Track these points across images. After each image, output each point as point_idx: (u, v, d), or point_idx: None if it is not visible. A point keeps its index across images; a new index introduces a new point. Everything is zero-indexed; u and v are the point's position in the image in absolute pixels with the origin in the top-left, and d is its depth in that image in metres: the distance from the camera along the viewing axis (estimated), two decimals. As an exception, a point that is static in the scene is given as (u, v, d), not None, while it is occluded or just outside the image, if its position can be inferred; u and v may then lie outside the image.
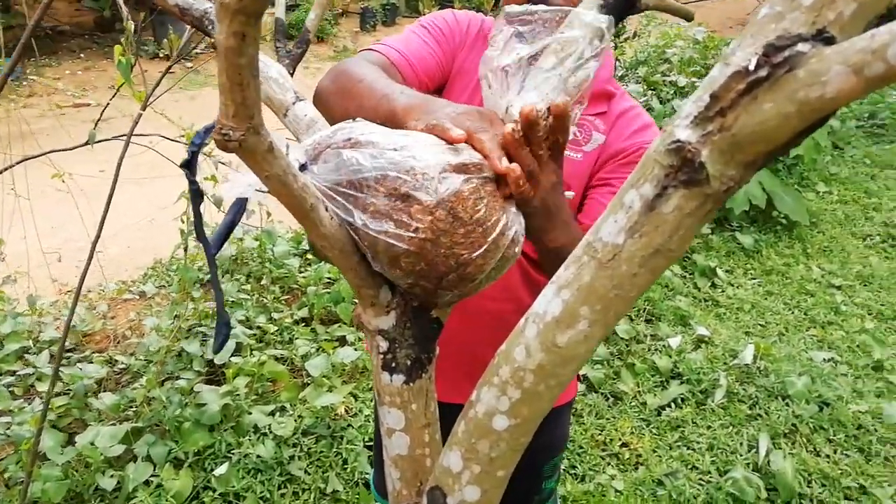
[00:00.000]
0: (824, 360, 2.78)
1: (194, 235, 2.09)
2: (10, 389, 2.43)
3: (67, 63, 6.70)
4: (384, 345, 0.85)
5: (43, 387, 2.46)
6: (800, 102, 0.48)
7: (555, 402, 0.70)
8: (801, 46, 0.49)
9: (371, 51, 1.02)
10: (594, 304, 0.62)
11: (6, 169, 1.64)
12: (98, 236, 1.81)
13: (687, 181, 0.55)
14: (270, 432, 2.21)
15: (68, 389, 2.41)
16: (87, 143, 1.63)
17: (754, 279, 3.57)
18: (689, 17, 1.10)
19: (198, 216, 0.76)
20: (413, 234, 0.69)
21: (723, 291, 3.42)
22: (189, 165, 0.73)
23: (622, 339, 2.88)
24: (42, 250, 2.95)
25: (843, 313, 3.28)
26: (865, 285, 3.56)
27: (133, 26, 1.40)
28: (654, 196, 0.57)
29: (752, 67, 0.50)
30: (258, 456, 2.10)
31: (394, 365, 0.85)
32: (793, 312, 3.30)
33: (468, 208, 0.70)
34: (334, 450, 2.23)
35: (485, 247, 0.71)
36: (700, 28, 4.04)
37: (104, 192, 1.72)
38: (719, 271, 3.51)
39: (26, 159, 1.67)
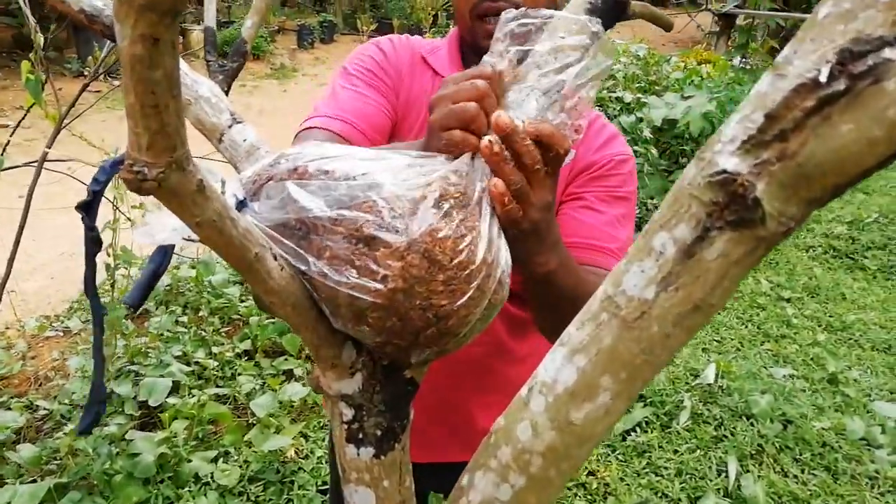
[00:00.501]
0: (784, 376, 2.76)
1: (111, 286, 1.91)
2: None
3: (-15, 82, 6.30)
4: (349, 413, 0.71)
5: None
6: (891, 124, 0.38)
7: (564, 486, 0.58)
8: (887, 52, 0.38)
9: (308, 129, 0.88)
10: (618, 372, 0.50)
11: None
12: (9, 270, 1.61)
13: (736, 222, 0.44)
14: (213, 482, 2.02)
15: (-20, 443, 2.16)
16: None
17: (707, 294, 3.55)
18: (668, 27, 1.02)
19: (91, 267, 0.62)
20: (381, 285, 0.56)
21: (677, 307, 3.38)
22: (88, 208, 0.58)
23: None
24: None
25: (794, 326, 3.29)
26: (813, 297, 3.60)
27: (42, 40, 1.23)
28: (694, 240, 0.46)
29: (823, 79, 0.40)
30: (199, 509, 1.91)
31: (360, 436, 0.72)
32: (746, 327, 3.29)
33: (447, 249, 0.57)
34: (285, 496, 2.05)
35: (468, 294, 0.59)
36: (641, 45, 4.05)
37: (29, 220, 1.53)
38: (673, 287, 3.48)
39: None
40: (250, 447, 2.17)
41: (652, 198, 3.76)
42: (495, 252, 0.62)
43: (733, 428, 2.44)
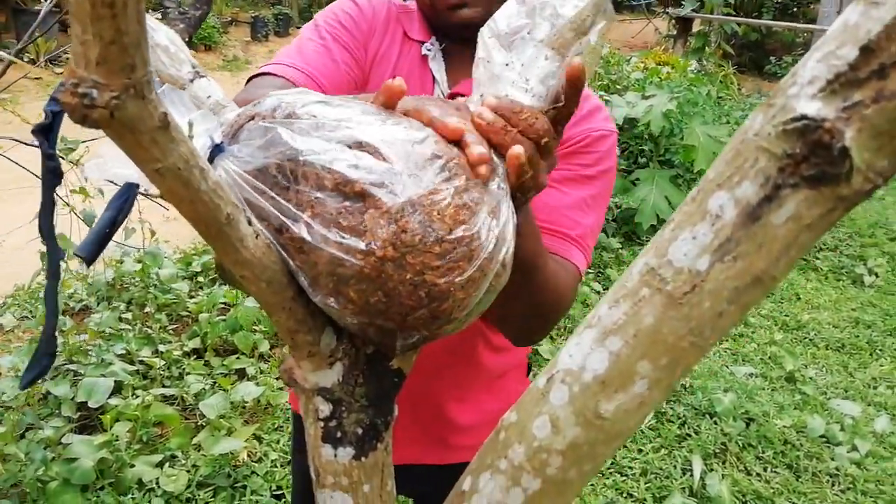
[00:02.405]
0: (745, 374, 2.76)
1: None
2: None
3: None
4: (326, 409, 0.62)
5: None
6: None
7: (581, 489, 0.51)
8: None
9: (264, 75, 0.83)
10: (659, 356, 0.43)
11: None
12: None
13: (816, 177, 0.37)
14: (159, 487, 1.88)
15: None
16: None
17: (666, 293, 3.56)
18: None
19: (49, 203, 0.51)
20: (367, 248, 0.47)
21: (637, 306, 3.38)
22: (47, 132, 0.48)
23: (545, 360, 2.74)
24: None
25: (751, 325, 3.31)
26: (768, 297, 3.64)
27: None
28: (760, 200, 0.39)
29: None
30: (144, 518, 1.77)
31: (339, 435, 0.63)
32: (705, 326, 3.30)
33: (447, 217, 0.48)
34: (236, 502, 1.93)
35: (468, 273, 0.50)
36: (604, 44, 4.06)
37: None
38: (633, 286, 3.48)
39: None
40: (199, 451, 2.04)
41: (613, 198, 3.75)
42: (502, 228, 0.54)
43: (697, 426, 2.42)
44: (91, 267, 2.78)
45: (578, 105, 0.58)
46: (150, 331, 2.59)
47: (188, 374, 2.39)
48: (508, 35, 0.59)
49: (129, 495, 1.84)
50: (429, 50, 0.91)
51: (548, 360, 2.82)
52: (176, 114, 0.47)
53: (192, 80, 0.66)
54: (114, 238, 0.59)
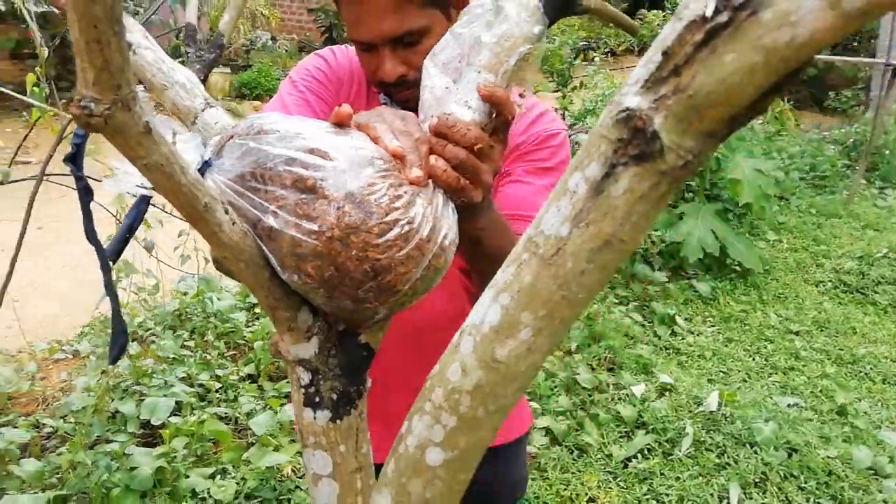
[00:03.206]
0: (789, 405, 2.72)
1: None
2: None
3: (9, 122, 6.53)
4: (306, 377, 0.74)
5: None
6: (767, 50, 0.41)
7: (497, 430, 0.60)
8: (764, -14, 0.42)
9: None
10: (538, 309, 0.53)
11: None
12: (4, 289, 1.65)
13: (639, 156, 0.47)
14: (210, 497, 2.02)
15: (-15, 457, 2.19)
16: (1, 183, 1.51)
17: (713, 326, 3.53)
18: (633, 31, 1.06)
19: (87, 215, 0.66)
20: (318, 228, 0.59)
21: (683, 339, 3.36)
22: (74, 159, 0.63)
23: (584, 388, 2.78)
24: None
25: (803, 359, 3.25)
26: (822, 330, 3.56)
27: (46, 53, 1.31)
28: (602, 177, 0.49)
29: (709, 14, 0.43)
30: (193, 525, 1.91)
31: (317, 400, 0.74)
32: (754, 359, 3.25)
33: (382, 204, 0.60)
34: (279, 515, 2.05)
35: (405, 250, 0.62)
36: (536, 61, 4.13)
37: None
38: (678, 319, 3.47)
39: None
40: (248, 465, 2.18)
41: (654, 230, 3.77)
42: (437, 217, 0.65)
43: (736, 455, 2.40)
44: (158, 296, 3.02)
45: (509, 115, 0.70)
46: (209, 357, 2.78)
47: (241, 395, 2.56)
48: (447, 64, 0.72)
49: (183, 503, 1.99)
50: (384, 101, 1.03)
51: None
52: (167, 133, 0.61)
53: (203, 110, 0.81)
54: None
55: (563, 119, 3.25)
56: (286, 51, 9.71)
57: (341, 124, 0.65)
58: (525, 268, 0.53)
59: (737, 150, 4.13)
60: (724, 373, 3.10)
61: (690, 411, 2.65)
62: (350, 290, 0.63)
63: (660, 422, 2.56)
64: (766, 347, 3.35)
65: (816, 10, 0.39)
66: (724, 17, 0.42)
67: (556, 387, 2.79)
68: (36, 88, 1.33)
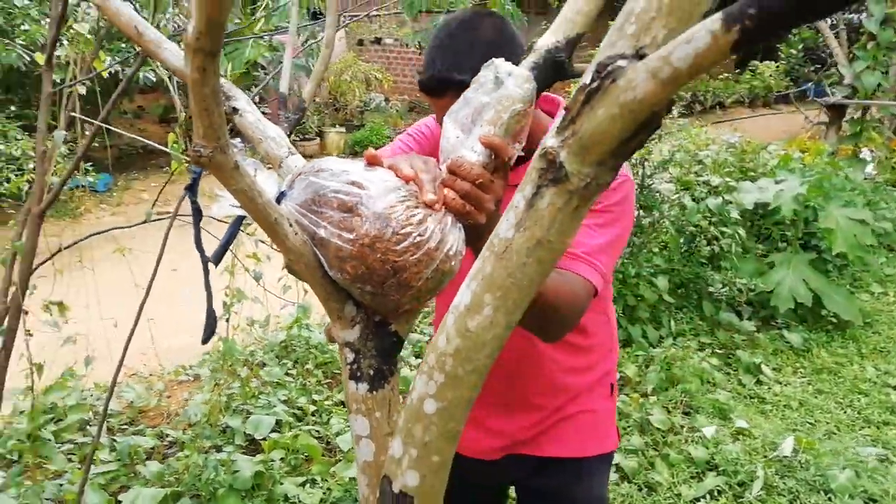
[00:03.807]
0: (871, 455, 2.65)
1: (235, 304, 2.29)
2: (69, 456, 2.61)
3: (154, 177, 7.40)
4: (350, 356, 0.97)
5: (101, 455, 2.63)
6: (621, 105, 0.62)
7: (477, 389, 0.80)
8: (620, 62, 0.62)
9: None
10: (495, 291, 0.74)
11: (75, 243, 1.89)
12: (137, 320, 2.01)
13: (554, 180, 0.68)
14: (300, 502, 2.28)
15: (119, 458, 2.57)
16: (144, 222, 1.88)
17: (803, 378, 3.46)
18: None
19: (197, 231, 0.93)
20: (354, 237, 0.83)
21: (769, 388, 3.33)
22: (192, 188, 0.91)
23: (657, 429, 2.84)
24: (108, 340, 3.23)
25: (900, 413, 3.13)
26: (925, 386, 3.40)
27: (184, 116, 1.66)
28: (532, 195, 0.70)
29: (588, 82, 0.64)
30: (284, 524, 2.17)
31: (359, 374, 0.97)
32: (845, 411, 3.17)
33: (401, 220, 0.84)
34: (359, 525, 2.27)
35: (417, 255, 0.84)
36: (735, 134, 4.19)
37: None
38: (765, 368, 3.44)
39: (92, 235, 1.92)
40: (334, 478, 2.42)
41: (741, 279, 3.76)
42: (444, 232, 0.88)
43: (808, 502, 2.38)
44: (264, 328, 3.38)
45: (505, 157, 0.91)
46: (307, 383, 3.09)
47: (333, 418, 2.83)
48: (460, 120, 0.95)
49: (276, 505, 2.26)
50: None
51: (634, 379, 2.95)
52: (249, 170, 0.88)
53: (286, 157, 1.09)
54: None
55: (644, 167, 3.39)
56: (397, 111, 10.36)
57: (372, 163, 0.90)
58: (487, 262, 0.74)
59: (833, 199, 4.07)
60: (810, 423, 3.05)
61: (765, 456, 2.65)
62: (377, 285, 0.87)
63: (731, 464, 2.58)
64: (859, 400, 3.25)
65: (646, 79, 0.59)
66: (595, 84, 0.63)
67: (629, 426, 2.87)
68: (175, 145, 1.68)
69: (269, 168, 0.99)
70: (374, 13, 4.84)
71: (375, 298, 0.89)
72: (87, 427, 2.84)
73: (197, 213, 0.92)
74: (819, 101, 5.50)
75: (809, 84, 8.96)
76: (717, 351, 3.57)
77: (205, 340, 0.99)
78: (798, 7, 0.50)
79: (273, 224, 0.84)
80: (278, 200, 0.92)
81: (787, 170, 3.94)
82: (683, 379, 3.14)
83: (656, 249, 3.65)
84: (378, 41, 9.92)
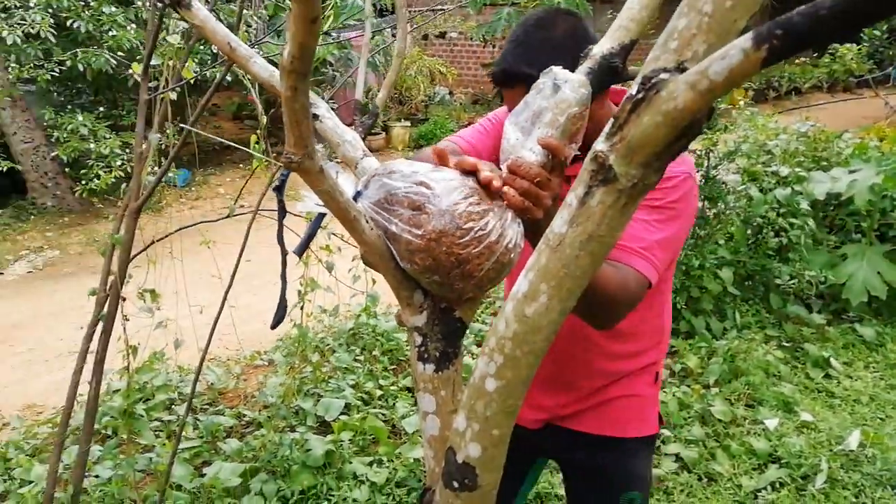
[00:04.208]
0: (944, 451, 2.59)
1: (307, 294, 2.43)
2: (156, 433, 2.83)
3: (229, 172, 7.74)
4: (419, 339, 1.07)
5: (185, 432, 2.84)
6: (664, 113, 0.68)
7: (533, 370, 0.88)
8: (663, 75, 0.69)
9: (447, 141, 1.46)
10: (550, 280, 0.82)
11: (166, 236, 2.06)
12: (222, 307, 2.17)
13: (604, 180, 0.76)
14: (367, 480, 2.41)
15: (202, 435, 2.77)
16: (228, 216, 2.03)
17: (876, 372, 3.38)
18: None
19: (280, 226, 1.04)
20: (422, 233, 0.92)
21: (838, 383, 3.27)
22: (279, 189, 1.02)
23: (719, 420, 2.85)
24: (194, 326, 3.46)
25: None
26: None
27: (265, 119, 1.80)
28: (584, 194, 0.78)
29: (634, 93, 0.71)
30: (354, 500, 2.30)
31: (426, 356, 1.06)
32: (920, 407, 3.09)
33: (463, 216, 0.92)
34: None
35: (478, 249, 0.93)
36: (808, 122, 4.09)
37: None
38: (834, 362, 3.37)
39: (182, 228, 2.09)
40: (399, 458, 2.55)
41: (811, 271, 3.69)
42: (504, 227, 0.96)
43: (874, 496, 2.36)
44: (334, 317, 3.53)
45: (562, 157, 0.99)
46: (374, 369, 3.23)
47: (398, 402, 2.95)
48: (520, 123, 1.03)
49: (346, 482, 2.40)
50: None
51: (695, 371, 2.94)
52: (332, 173, 0.98)
53: (362, 158, 1.19)
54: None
55: (709, 158, 3.37)
56: (461, 104, 10.46)
57: (441, 161, 0.99)
58: (542, 254, 0.82)
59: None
60: (880, 419, 2.99)
61: (830, 449, 2.63)
62: (443, 275, 0.96)
63: (794, 457, 2.57)
64: (937, 397, 3.16)
65: (685, 90, 0.66)
66: (641, 95, 0.70)
67: (690, 417, 2.88)
68: (257, 144, 1.82)
69: (345, 169, 1.10)
70: (440, 8, 4.93)
71: (442, 287, 0.99)
72: (173, 406, 3.06)
73: (282, 211, 1.03)
74: (899, 86, 5.26)
75: (891, 68, 8.56)
76: (785, 344, 3.52)
77: (274, 326, 1.10)
78: (820, 30, 0.56)
79: (352, 220, 0.94)
80: (355, 199, 1.02)
81: (862, 159, 3.83)
82: (747, 371, 3.12)
83: (721, 241, 3.62)
84: (443, 35, 10.02)
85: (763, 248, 3.56)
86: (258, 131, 1.82)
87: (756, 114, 4.15)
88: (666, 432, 2.79)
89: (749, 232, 3.64)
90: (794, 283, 3.73)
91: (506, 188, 0.98)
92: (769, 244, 3.54)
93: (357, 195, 1.02)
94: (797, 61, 10.35)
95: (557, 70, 1.03)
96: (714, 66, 0.63)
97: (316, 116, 1.20)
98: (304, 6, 0.69)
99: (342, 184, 0.99)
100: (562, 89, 1.01)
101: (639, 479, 1.51)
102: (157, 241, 2.09)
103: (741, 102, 3.77)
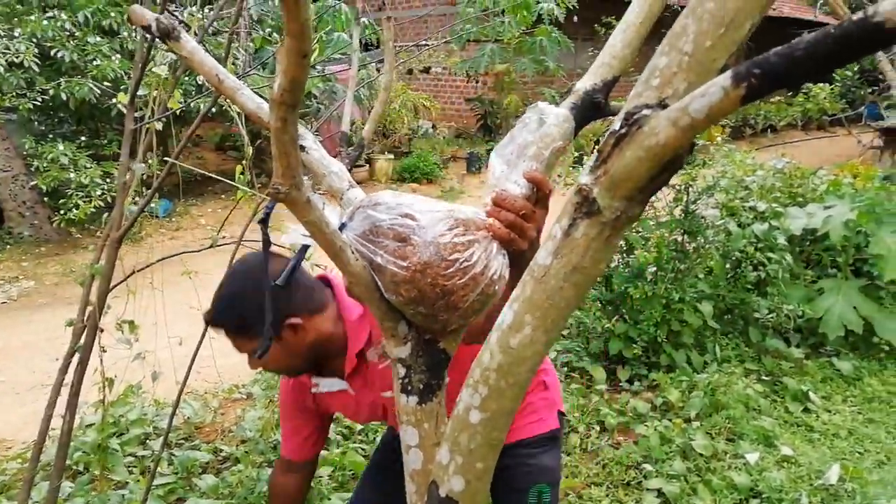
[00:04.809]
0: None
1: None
2: (130, 468, 2.76)
3: (211, 203, 7.71)
4: (402, 370, 1.06)
5: (160, 468, 2.78)
6: (646, 148, 0.70)
7: (518, 401, 0.88)
8: (645, 111, 0.71)
9: None
10: (534, 312, 0.82)
11: (147, 266, 2.04)
12: (201, 340, 2.14)
13: (588, 212, 0.77)
14: (346, 517, 2.36)
15: (177, 471, 2.70)
16: (210, 246, 2.02)
17: (854, 406, 3.41)
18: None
19: (266, 258, 1.04)
20: (407, 264, 0.93)
21: (817, 417, 3.29)
22: (265, 221, 1.02)
23: (700, 454, 2.84)
24: (173, 358, 3.40)
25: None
26: None
27: (251, 150, 1.80)
28: (568, 226, 0.79)
29: (617, 128, 0.73)
30: (332, 537, 2.26)
31: (410, 388, 1.06)
32: (897, 441, 3.11)
33: (448, 248, 0.93)
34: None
35: (464, 280, 0.93)
36: (783, 159, 4.18)
37: None
38: (812, 396, 3.40)
39: (163, 259, 2.07)
40: (380, 494, 2.50)
41: (789, 305, 3.73)
42: (489, 258, 0.97)
43: (855, 531, 2.36)
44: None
45: (546, 190, 1.00)
46: (355, 403, 3.19)
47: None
48: (505, 155, 1.05)
49: (325, 519, 2.35)
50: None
51: (676, 405, 2.93)
52: (319, 204, 0.98)
53: (347, 190, 1.19)
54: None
55: (688, 193, 3.43)
56: (444, 137, 10.55)
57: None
58: (527, 285, 0.83)
59: (885, 224, 4.02)
60: (859, 453, 3.01)
61: (810, 484, 2.63)
62: (428, 306, 0.96)
63: (775, 491, 2.57)
64: (913, 431, 3.19)
65: (667, 126, 0.68)
66: (624, 130, 0.72)
67: (671, 451, 2.88)
68: (241, 175, 1.82)
69: (329, 201, 1.10)
70: (425, 44, 5.00)
71: (427, 319, 0.99)
72: (147, 441, 2.99)
73: (267, 243, 1.03)
74: (873, 124, 5.42)
75: (863, 107, 8.81)
76: (764, 378, 3.55)
77: (260, 356, 1.10)
78: (795, 70, 0.58)
79: (338, 251, 0.94)
80: (340, 230, 1.02)
81: (836, 195, 3.91)
82: (728, 405, 3.13)
83: (701, 275, 3.66)
84: (427, 70, 10.16)
85: (742, 281, 3.61)
86: (244, 162, 1.82)
87: (733, 150, 4.24)
88: (648, 467, 2.78)
89: (728, 266, 3.69)
90: (772, 317, 3.77)
91: (491, 220, 0.99)
92: (748, 278, 3.58)
93: (342, 226, 1.02)
94: (772, 100, 10.62)
95: (542, 104, 1.05)
96: (694, 104, 0.65)
97: (303, 148, 1.21)
98: (297, 42, 0.70)
99: (328, 215, 1.00)
100: (546, 123, 1.03)
101: (544, 471, 1.61)
102: (138, 271, 2.07)
103: (718, 139, 3.85)
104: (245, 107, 1.12)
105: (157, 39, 1.22)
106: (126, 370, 2.24)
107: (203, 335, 2.18)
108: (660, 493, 2.66)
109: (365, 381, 1.46)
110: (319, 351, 1.37)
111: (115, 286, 2.00)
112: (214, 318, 1.33)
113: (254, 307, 1.19)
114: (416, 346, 1.05)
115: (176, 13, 2.02)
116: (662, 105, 0.71)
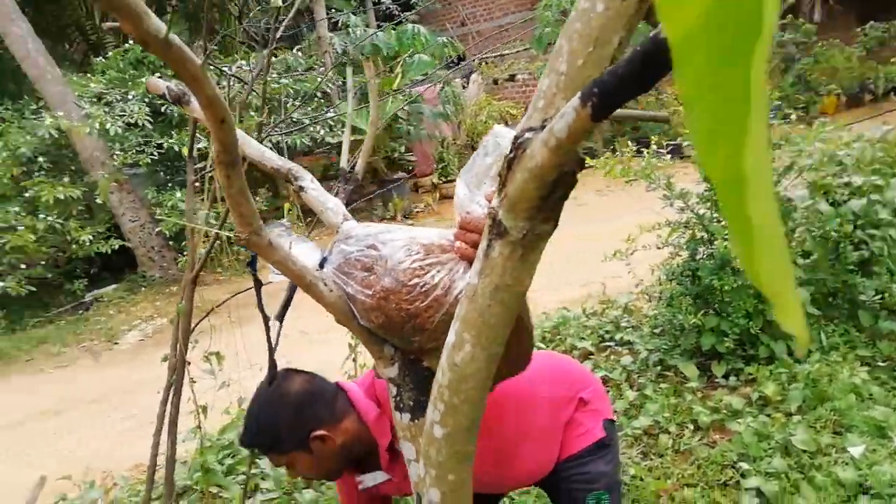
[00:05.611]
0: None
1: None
2: (242, 486, 3.00)
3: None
4: (394, 389, 1.13)
5: (265, 485, 3.00)
6: (529, 170, 0.73)
7: (474, 417, 0.92)
8: (528, 134, 0.74)
9: None
10: (471, 330, 0.86)
11: (205, 316, 2.24)
12: (272, 369, 2.31)
13: (498, 234, 0.81)
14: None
15: (281, 486, 2.91)
16: (266, 283, 2.18)
17: None
18: (666, 121, 1.31)
19: (259, 297, 1.15)
20: (372, 292, 1.00)
21: (948, 404, 2.99)
22: (251, 264, 1.13)
23: (803, 450, 2.68)
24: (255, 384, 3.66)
25: None
26: None
27: (289, 207, 1.95)
28: (486, 247, 0.83)
29: (508, 153, 0.76)
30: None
31: (402, 405, 1.12)
32: None
33: (407, 274, 0.99)
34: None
35: (426, 302, 0.99)
36: (884, 125, 3.83)
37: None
38: (940, 380, 3.09)
39: (236, 294, 2.26)
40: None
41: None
42: (453, 279, 1.02)
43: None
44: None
45: None
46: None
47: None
48: (469, 178, 1.09)
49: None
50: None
51: (773, 399, 2.76)
52: (295, 243, 1.08)
53: (342, 223, 1.28)
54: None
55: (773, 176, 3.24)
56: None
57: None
58: (462, 305, 0.87)
59: None
60: None
61: None
62: (397, 330, 1.03)
63: (885, 486, 2.37)
64: None
65: (540, 148, 0.71)
66: (512, 154, 0.75)
67: (770, 448, 2.73)
68: (290, 212, 1.98)
69: (302, 239, 1.20)
70: (506, 52, 5.04)
71: (402, 341, 1.05)
72: (256, 461, 3.23)
73: (257, 283, 1.13)
74: None
75: None
76: (880, 364, 3.27)
77: (269, 384, 1.20)
78: (622, 86, 0.60)
79: (308, 285, 1.03)
80: (322, 265, 1.11)
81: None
82: (833, 396, 2.93)
83: (798, 260, 3.45)
84: (512, 78, 10.18)
85: (843, 263, 3.35)
86: (290, 201, 1.97)
87: (827, 127, 3.94)
88: (745, 465, 2.65)
89: (826, 248, 3.44)
90: (882, 298, 3.47)
91: (457, 242, 1.04)
92: (849, 259, 3.32)
93: (323, 261, 1.11)
94: (892, 59, 9.52)
95: (498, 128, 1.09)
96: (557, 125, 0.68)
97: (302, 188, 1.31)
98: (211, 110, 0.79)
99: (300, 252, 1.09)
100: (500, 146, 1.07)
101: (597, 478, 1.62)
102: (217, 307, 2.27)
103: (792, 116, 3.60)
104: (252, 157, 1.24)
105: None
106: (215, 397, 2.45)
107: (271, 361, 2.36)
108: (759, 492, 2.54)
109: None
110: (350, 453, 1.46)
111: (198, 323, 2.22)
112: (248, 442, 1.46)
113: (282, 428, 1.38)
114: (402, 366, 1.11)
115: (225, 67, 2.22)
116: (544, 127, 0.74)
